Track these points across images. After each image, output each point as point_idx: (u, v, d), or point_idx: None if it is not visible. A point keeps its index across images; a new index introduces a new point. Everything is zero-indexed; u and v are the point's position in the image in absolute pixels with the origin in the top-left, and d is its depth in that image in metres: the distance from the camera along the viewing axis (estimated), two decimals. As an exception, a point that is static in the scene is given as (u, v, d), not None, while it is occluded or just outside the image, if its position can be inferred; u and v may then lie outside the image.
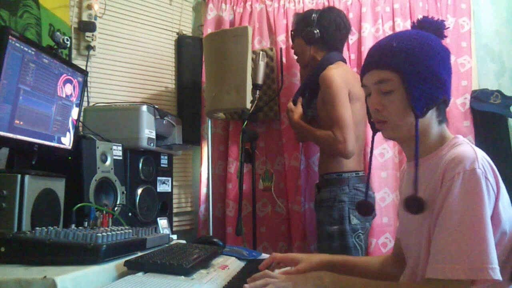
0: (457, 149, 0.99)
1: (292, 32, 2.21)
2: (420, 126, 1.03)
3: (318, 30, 2.04)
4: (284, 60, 2.50)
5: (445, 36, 1.10)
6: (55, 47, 1.52)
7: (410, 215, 1.07)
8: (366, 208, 1.24)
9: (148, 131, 1.96)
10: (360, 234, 1.94)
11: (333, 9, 2.15)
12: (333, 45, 2.08)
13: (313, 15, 2.07)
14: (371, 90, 1.08)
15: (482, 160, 0.95)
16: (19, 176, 1.19)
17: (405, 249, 1.16)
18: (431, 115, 1.05)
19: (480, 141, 2.39)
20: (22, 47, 1.26)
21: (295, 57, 2.25)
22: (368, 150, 2.26)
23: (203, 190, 2.62)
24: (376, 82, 1.05)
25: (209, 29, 2.65)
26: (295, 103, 2.16)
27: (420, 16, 1.16)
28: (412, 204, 1.01)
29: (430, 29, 1.09)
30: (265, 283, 1.00)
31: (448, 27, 1.12)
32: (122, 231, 1.15)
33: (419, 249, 1.03)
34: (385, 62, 1.03)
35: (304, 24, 2.10)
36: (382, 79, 1.04)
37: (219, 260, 1.28)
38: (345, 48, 2.34)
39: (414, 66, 1.01)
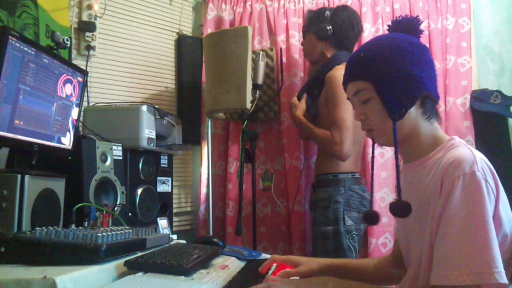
0: (455, 152, 0.98)
1: (304, 28, 2.20)
2: (408, 127, 1.05)
3: (331, 27, 2.04)
4: (284, 60, 2.50)
5: (421, 32, 1.11)
6: (55, 47, 1.52)
7: (408, 218, 1.07)
8: (373, 218, 1.16)
9: (148, 131, 1.96)
10: (354, 235, 1.94)
11: (347, 8, 2.14)
12: (344, 43, 2.08)
13: (326, 12, 2.07)
14: (354, 102, 1.11)
15: (481, 162, 0.94)
16: (19, 176, 1.19)
17: (404, 253, 1.15)
18: (416, 113, 1.05)
19: (480, 141, 2.39)
20: (22, 47, 1.26)
21: (304, 53, 2.25)
22: (367, 152, 2.31)
23: (203, 190, 2.61)
24: (354, 94, 1.09)
25: (209, 29, 2.64)
26: (299, 99, 2.16)
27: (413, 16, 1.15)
28: (398, 209, 1.01)
29: (403, 29, 1.10)
30: (267, 286, 1.00)
31: (422, 21, 1.14)
32: (122, 231, 1.15)
33: (420, 254, 1.01)
34: (357, 73, 1.08)
35: (317, 20, 2.09)
36: (357, 90, 1.08)
37: (219, 260, 1.28)
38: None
39: (383, 70, 1.03)
